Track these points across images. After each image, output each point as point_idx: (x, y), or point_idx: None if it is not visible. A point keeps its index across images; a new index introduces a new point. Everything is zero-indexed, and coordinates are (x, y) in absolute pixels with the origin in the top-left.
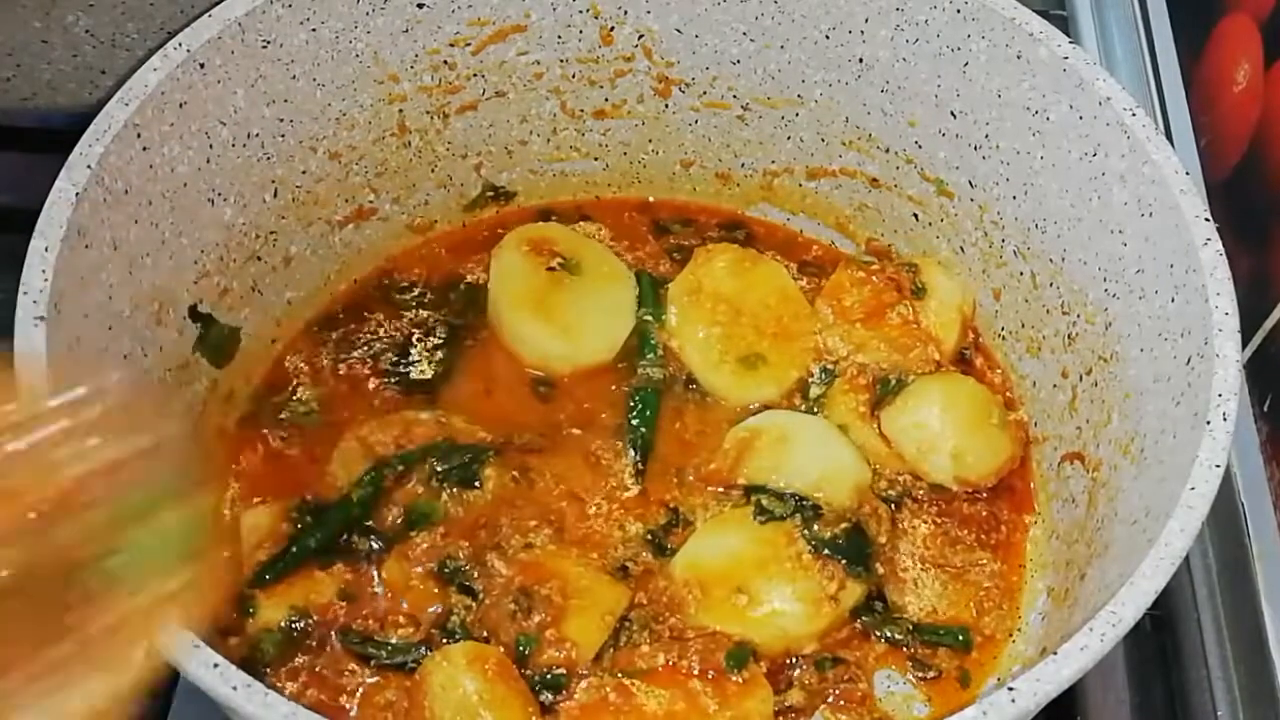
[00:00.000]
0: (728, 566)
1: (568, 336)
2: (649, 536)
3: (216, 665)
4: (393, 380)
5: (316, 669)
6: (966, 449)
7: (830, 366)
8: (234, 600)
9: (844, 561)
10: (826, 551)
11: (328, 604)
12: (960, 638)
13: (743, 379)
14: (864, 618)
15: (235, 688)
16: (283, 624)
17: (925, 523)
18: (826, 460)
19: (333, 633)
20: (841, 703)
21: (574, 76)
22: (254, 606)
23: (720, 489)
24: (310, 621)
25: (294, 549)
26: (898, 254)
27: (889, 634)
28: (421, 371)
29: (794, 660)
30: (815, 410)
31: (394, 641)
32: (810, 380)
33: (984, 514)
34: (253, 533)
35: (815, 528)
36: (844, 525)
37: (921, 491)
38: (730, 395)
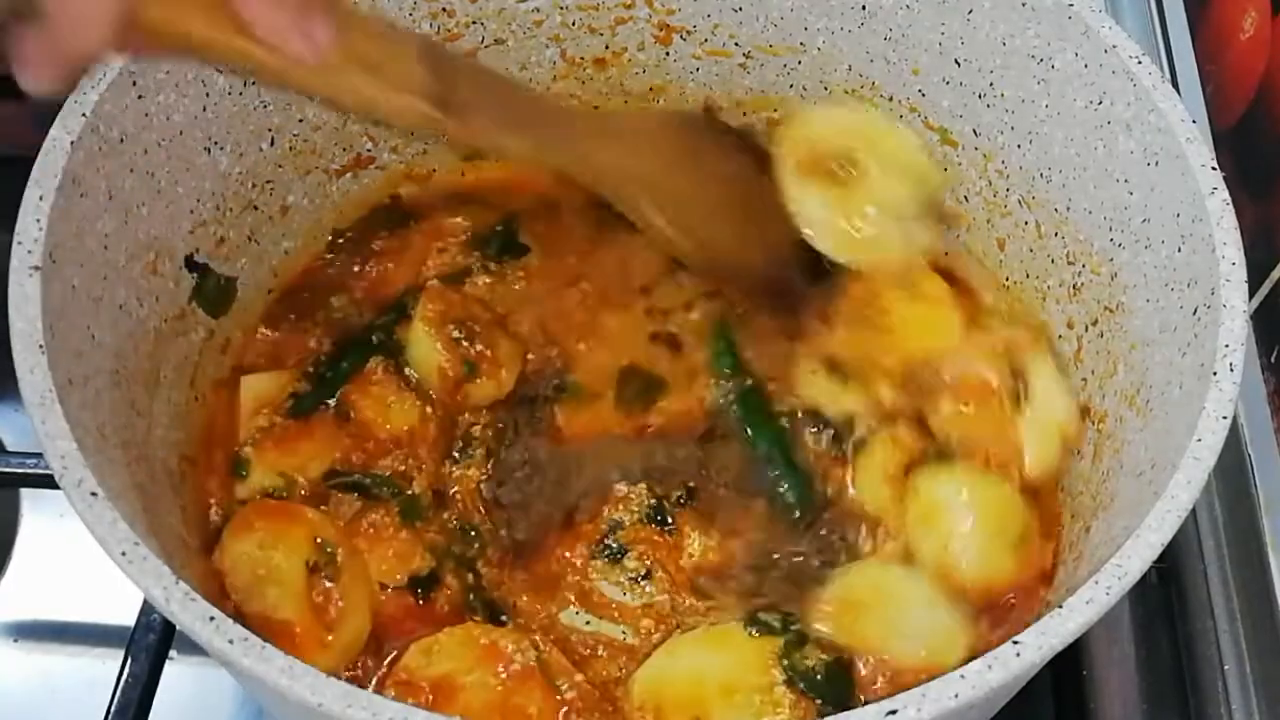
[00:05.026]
0: (690, 690)
1: None
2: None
3: (213, 618)
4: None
5: None
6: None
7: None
8: (228, 463)
9: (819, 702)
10: (802, 686)
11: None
12: None
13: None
14: None
15: (232, 641)
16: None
17: None
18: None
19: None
20: None
21: (574, 24)
22: (246, 469)
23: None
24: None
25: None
26: None
27: None
28: None
29: None
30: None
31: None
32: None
33: None
34: (253, 399)
35: (795, 656)
36: (824, 659)
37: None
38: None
